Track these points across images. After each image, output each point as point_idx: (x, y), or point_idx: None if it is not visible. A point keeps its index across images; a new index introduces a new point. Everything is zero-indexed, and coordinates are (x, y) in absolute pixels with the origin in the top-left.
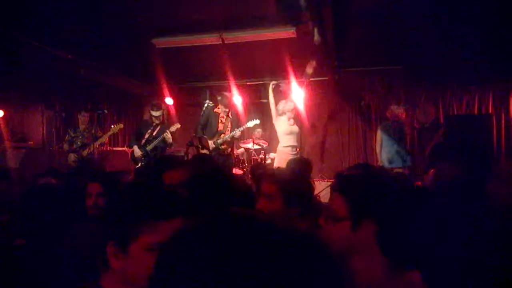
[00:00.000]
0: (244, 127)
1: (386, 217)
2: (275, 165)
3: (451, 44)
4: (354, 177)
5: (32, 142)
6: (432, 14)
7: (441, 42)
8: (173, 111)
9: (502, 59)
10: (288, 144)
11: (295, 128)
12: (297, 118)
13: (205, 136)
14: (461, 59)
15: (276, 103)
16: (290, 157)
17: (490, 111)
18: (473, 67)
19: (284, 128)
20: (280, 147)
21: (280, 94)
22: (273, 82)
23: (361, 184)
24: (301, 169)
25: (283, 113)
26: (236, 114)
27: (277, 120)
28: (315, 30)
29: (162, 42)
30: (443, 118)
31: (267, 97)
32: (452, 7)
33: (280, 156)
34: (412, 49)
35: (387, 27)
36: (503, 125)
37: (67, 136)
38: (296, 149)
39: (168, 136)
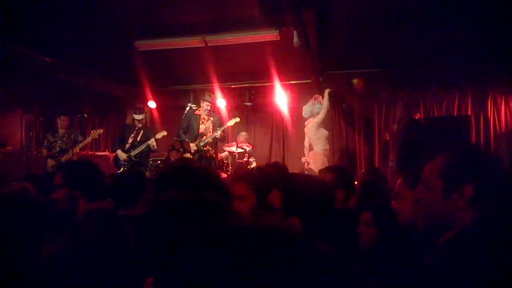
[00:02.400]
0: (225, 126)
1: None
2: (315, 169)
3: (431, 47)
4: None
5: (10, 147)
6: (413, 17)
7: (422, 45)
8: (156, 114)
9: (480, 62)
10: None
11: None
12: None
13: (187, 140)
14: (441, 62)
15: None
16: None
17: (469, 112)
18: (453, 69)
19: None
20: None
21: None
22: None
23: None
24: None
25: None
26: (218, 116)
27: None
28: (295, 33)
29: (145, 44)
30: (423, 119)
31: (251, 100)
32: (432, 11)
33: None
34: (394, 52)
35: (369, 30)
36: (481, 127)
37: (45, 141)
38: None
39: (153, 143)
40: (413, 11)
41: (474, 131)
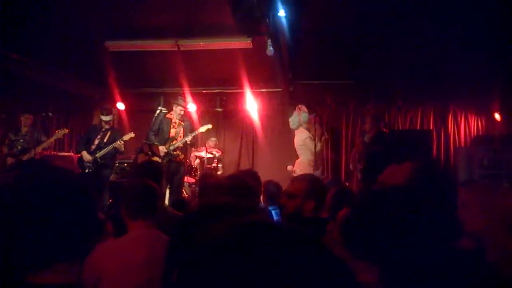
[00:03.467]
0: (196, 132)
1: None
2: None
3: (397, 62)
4: None
5: None
6: (381, 33)
7: (389, 60)
8: (124, 116)
9: (441, 79)
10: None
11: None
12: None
13: (157, 143)
14: (406, 77)
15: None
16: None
17: (431, 127)
18: (416, 85)
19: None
20: (306, 159)
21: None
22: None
23: None
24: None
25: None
26: (189, 121)
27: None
28: (269, 42)
29: (115, 45)
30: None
31: (222, 106)
32: (399, 28)
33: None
34: (362, 65)
35: (339, 43)
36: (442, 141)
37: (7, 139)
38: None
39: (120, 145)
40: (381, 26)
41: (435, 145)
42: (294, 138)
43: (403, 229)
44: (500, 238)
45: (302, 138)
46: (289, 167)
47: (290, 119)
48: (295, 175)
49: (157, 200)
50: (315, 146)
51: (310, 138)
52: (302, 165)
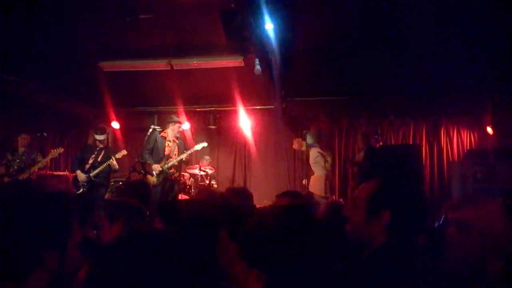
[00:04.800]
0: (192, 150)
1: None
2: (316, 192)
3: (389, 77)
4: None
5: None
6: (371, 49)
7: (380, 75)
8: (119, 135)
9: (433, 93)
10: None
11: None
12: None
13: (149, 161)
14: (398, 92)
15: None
16: None
17: (423, 141)
18: (408, 99)
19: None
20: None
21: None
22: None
23: None
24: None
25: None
26: (183, 138)
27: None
28: (256, 60)
29: (110, 65)
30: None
31: (215, 124)
32: (391, 43)
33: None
34: (354, 81)
35: (331, 59)
36: (435, 155)
37: (4, 159)
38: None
39: (114, 163)
40: (373, 42)
41: (428, 159)
42: (301, 155)
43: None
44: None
45: (314, 156)
46: (304, 181)
47: (308, 136)
48: (309, 190)
49: (143, 219)
50: (325, 162)
51: (321, 155)
52: (317, 180)
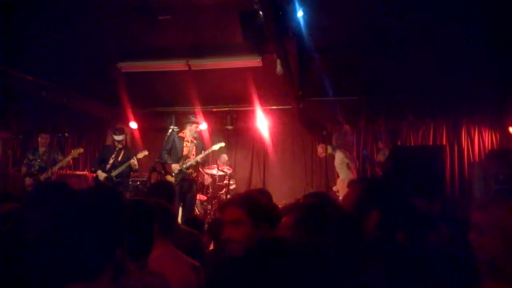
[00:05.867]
0: (209, 150)
1: None
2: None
3: (408, 77)
4: None
5: None
6: (391, 48)
7: (399, 75)
8: (137, 135)
9: (454, 93)
10: None
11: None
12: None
13: (169, 162)
14: (417, 92)
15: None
16: None
17: (444, 142)
18: (428, 100)
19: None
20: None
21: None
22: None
23: None
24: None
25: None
26: (201, 139)
27: None
28: (278, 61)
29: (128, 66)
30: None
31: (232, 124)
32: (410, 42)
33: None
34: (372, 81)
35: (348, 59)
36: (456, 156)
37: (25, 159)
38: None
39: (134, 162)
40: (391, 42)
41: (449, 160)
42: (314, 155)
43: None
44: None
45: (340, 158)
46: (335, 188)
47: (334, 137)
48: (338, 194)
49: (174, 220)
50: (349, 164)
51: (345, 156)
52: (342, 183)
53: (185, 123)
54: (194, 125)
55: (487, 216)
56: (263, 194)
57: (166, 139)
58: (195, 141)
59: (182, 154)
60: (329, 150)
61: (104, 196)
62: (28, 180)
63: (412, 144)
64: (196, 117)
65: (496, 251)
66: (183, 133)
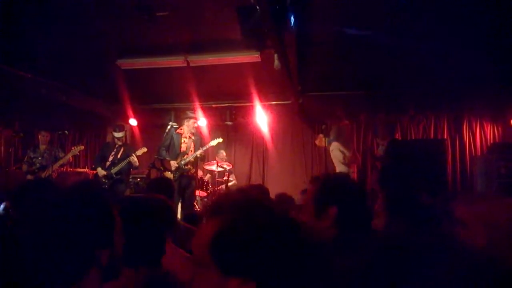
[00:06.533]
0: (207, 146)
1: None
2: None
3: (408, 71)
4: None
5: None
6: (390, 41)
7: (400, 69)
8: (137, 132)
9: (455, 87)
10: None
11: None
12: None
13: (168, 158)
14: (418, 86)
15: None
16: None
17: (445, 136)
18: (429, 93)
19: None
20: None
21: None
22: None
23: None
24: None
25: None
26: (199, 135)
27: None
28: (276, 56)
29: (127, 63)
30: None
31: (232, 120)
32: (409, 36)
33: None
34: (372, 75)
35: (347, 53)
36: (457, 150)
37: (26, 156)
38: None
39: (134, 159)
40: (390, 35)
41: (450, 154)
42: (314, 150)
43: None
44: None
45: (336, 152)
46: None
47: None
48: None
49: (174, 216)
50: (344, 158)
51: (340, 151)
52: None
53: (183, 118)
54: (192, 121)
55: (470, 210)
56: (259, 190)
57: (164, 135)
58: (193, 137)
59: (180, 150)
60: (324, 142)
61: (84, 196)
62: (29, 178)
63: (413, 138)
64: (193, 113)
65: (481, 244)
66: (181, 129)
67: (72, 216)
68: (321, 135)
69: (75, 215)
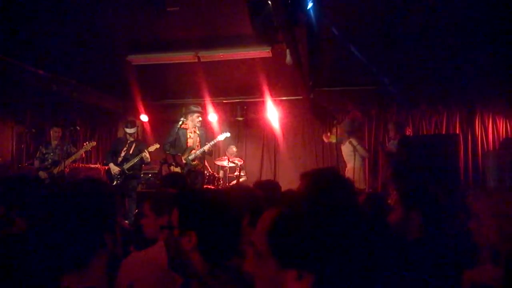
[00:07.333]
0: (215, 140)
1: None
2: None
3: (420, 66)
4: None
5: (0, 159)
6: (403, 37)
7: (411, 64)
8: (148, 128)
9: (467, 81)
10: None
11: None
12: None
13: (179, 154)
14: (430, 81)
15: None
16: None
17: (457, 131)
18: (441, 88)
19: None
20: (350, 166)
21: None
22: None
23: None
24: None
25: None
26: (204, 129)
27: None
28: (287, 51)
29: (138, 59)
30: (415, 137)
31: (243, 115)
32: (422, 32)
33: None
34: (384, 70)
35: (359, 48)
36: (469, 145)
37: (38, 152)
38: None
39: (146, 155)
40: (403, 31)
41: (462, 149)
42: (325, 145)
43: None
44: None
45: (348, 147)
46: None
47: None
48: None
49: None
50: (356, 153)
51: (352, 146)
52: (350, 173)
53: (187, 113)
54: (196, 115)
55: (483, 206)
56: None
57: (170, 131)
58: (198, 132)
59: (186, 146)
60: (332, 139)
61: (86, 184)
62: (42, 174)
63: (425, 133)
64: (197, 107)
65: (494, 238)
66: (186, 124)
67: (70, 202)
68: (328, 134)
69: (73, 201)
